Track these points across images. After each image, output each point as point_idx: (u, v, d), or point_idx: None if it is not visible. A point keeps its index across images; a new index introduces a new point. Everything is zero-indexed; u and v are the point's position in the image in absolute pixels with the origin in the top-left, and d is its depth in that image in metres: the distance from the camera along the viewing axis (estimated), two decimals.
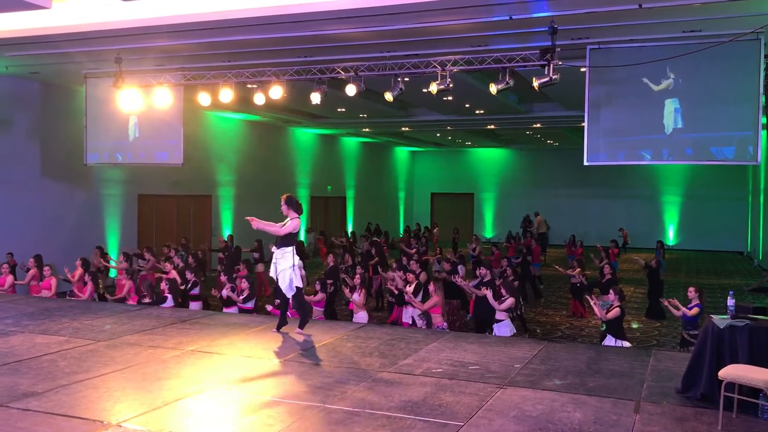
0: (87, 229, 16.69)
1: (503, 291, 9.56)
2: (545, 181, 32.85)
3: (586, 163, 10.74)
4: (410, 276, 10.67)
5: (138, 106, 12.46)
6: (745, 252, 28.38)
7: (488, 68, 10.54)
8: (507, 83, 10.43)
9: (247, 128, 22.89)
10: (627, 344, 8.87)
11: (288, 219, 8.30)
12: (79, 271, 11.97)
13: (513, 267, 13.58)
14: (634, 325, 12.80)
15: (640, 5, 8.44)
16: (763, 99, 9.77)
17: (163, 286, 10.94)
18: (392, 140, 31.35)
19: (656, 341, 11.85)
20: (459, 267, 13.03)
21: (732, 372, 5.34)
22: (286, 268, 8.18)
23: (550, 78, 9.64)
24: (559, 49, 9.58)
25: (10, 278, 12.01)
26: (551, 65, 9.52)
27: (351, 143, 30.50)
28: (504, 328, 9.42)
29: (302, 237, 23.40)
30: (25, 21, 10.23)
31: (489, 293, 9.54)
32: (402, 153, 35.59)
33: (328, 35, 10.35)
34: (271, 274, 8.47)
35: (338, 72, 11.34)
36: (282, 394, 6.06)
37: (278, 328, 8.60)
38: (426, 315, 9.93)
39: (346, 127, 25.44)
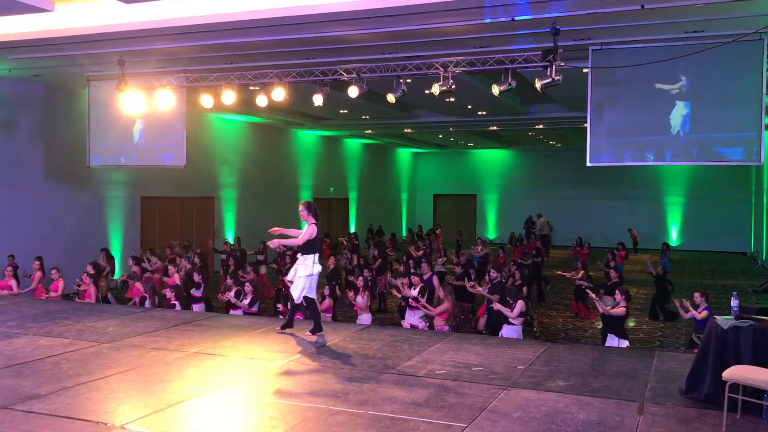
0: (90, 231, 16.71)
1: (508, 297, 9.55)
2: (548, 183, 32.82)
3: (588, 164, 10.73)
4: (415, 279, 10.69)
5: (141, 108, 12.48)
6: (748, 253, 28.32)
7: (490, 69, 10.54)
8: (509, 84, 10.43)
9: (249, 130, 22.91)
10: (626, 343, 8.85)
11: (305, 226, 8.28)
12: (93, 273, 12.00)
13: (521, 270, 13.47)
14: (631, 323, 12.74)
15: (643, 6, 8.43)
16: (766, 99, 9.76)
17: (169, 295, 10.88)
18: (395, 142, 31.36)
19: (659, 342, 11.84)
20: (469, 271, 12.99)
21: (736, 373, 5.33)
22: (302, 276, 8.18)
23: (553, 79, 9.63)
24: (561, 50, 9.58)
25: (14, 282, 12.02)
26: (553, 66, 9.52)
27: (353, 145, 30.51)
28: (511, 332, 9.30)
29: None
30: (27, 24, 10.26)
31: (499, 306, 9.46)
32: (404, 154, 35.59)
33: (331, 37, 10.36)
34: (290, 276, 8.50)
35: (340, 74, 11.35)
36: (285, 396, 6.06)
37: (282, 328, 8.63)
38: (428, 318, 9.93)
39: (349, 129, 25.45)
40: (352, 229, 28.86)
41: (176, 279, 11.97)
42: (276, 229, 8.50)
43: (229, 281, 11.35)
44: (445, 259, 16.10)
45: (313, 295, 8.39)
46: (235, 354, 7.59)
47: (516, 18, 9.18)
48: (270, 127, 23.54)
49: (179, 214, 20.20)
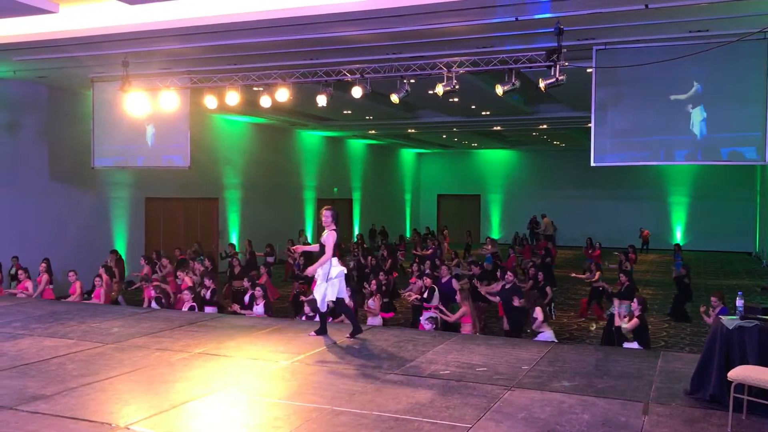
0: (95, 232, 16.75)
1: (526, 303, 9.54)
2: (552, 183, 32.78)
3: (593, 164, 10.70)
4: (427, 281, 10.72)
5: (145, 109, 12.50)
6: (753, 252, 28.24)
7: (494, 69, 10.53)
8: (513, 84, 10.41)
9: (253, 131, 22.93)
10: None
11: (326, 232, 8.15)
12: (105, 278, 12.03)
13: (543, 270, 13.36)
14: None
15: (647, 5, 8.42)
16: None
17: (187, 297, 10.79)
18: (398, 142, 31.36)
19: (664, 342, 11.80)
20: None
21: (741, 373, 5.31)
22: (321, 283, 8.07)
23: (557, 79, 9.61)
24: (565, 50, 9.55)
25: (29, 283, 12.06)
26: (557, 66, 9.49)
27: (357, 145, 30.52)
28: (545, 338, 9.17)
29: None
30: (32, 26, 10.29)
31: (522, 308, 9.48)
32: (408, 155, 35.58)
33: (334, 37, 10.36)
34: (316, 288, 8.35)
35: (344, 74, 11.34)
36: (290, 396, 6.06)
37: (317, 333, 8.43)
38: (434, 320, 9.94)
39: (352, 129, 25.46)
40: (356, 230, 28.88)
41: (188, 282, 11.92)
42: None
43: (246, 284, 11.36)
44: (457, 260, 16.11)
45: (342, 295, 8.30)
46: (239, 354, 7.60)
47: (520, 18, 9.18)
48: (274, 128, 23.56)
49: (183, 215, 20.23)
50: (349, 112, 20.37)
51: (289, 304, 13.53)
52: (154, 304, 11.05)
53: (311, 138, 26.55)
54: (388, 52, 11.29)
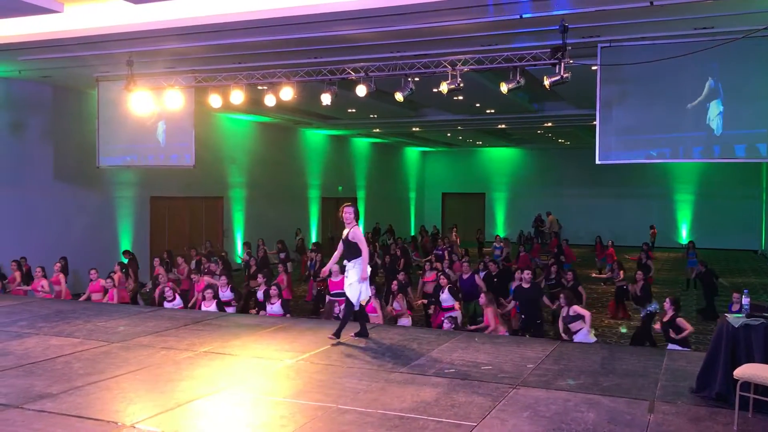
0: (100, 231, 16.79)
1: (562, 301, 9.44)
2: (557, 181, 32.71)
3: (598, 161, 10.68)
4: (443, 280, 10.71)
5: (150, 108, 12.52)
6: (758, 250, 28.15)
7: (499, 67, 10.52)
8: (518, 82, 10.40)
9: (257, 130, 22.95)
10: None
11: (348, 230, 8.05)
12: (118, 275, 12.07)
13: (570, 271, 13.21)
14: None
15: (651, 2, 8.39)
16: None
17: (207, 296, 10.77)
18: (403, 140, 31.34)
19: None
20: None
21: (747, 371, 5.29)
22: (354, 282, 7.97)
23: (561, 77, 9.59)
24: (570, 48, 9.54)
25: (45, 282, 12.04)
26: (562, 64, 9.48)
27: (361, 144, 30.51)
28: (582, 336, 9.06)
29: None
30: (37, 25, 10.31)
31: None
32: (413, 153, 35.56)
33: (338, 36, 10.36)
34: (345, 288, 8.25)
35: (348, 73, 11.34)
36: (295, 395, 6.07)
37: (356, 336, 8.31)
38: (453, 319, 9.91)
39: (357, 128, 25.45)
40: (362, 229, 28.85)
41: (205, 280, 11.89)
42: (325, 272, 9.22)
43: (261, 279, 11.39)
44: (468, 258, 16.10)
45: (366, 298, 8.23)
46: (244, 353, 7.61)
47: (524, 15, 9.16)
48: (278, 127, 23.57)
49: (188, 214, 20.26)
50: (354, 110, 20.36)
51: (307, 303, 13.54)
52: (178, 299, 10.99)
53: (316, 137, 26.55)
54: (393, 51, 11.28)
